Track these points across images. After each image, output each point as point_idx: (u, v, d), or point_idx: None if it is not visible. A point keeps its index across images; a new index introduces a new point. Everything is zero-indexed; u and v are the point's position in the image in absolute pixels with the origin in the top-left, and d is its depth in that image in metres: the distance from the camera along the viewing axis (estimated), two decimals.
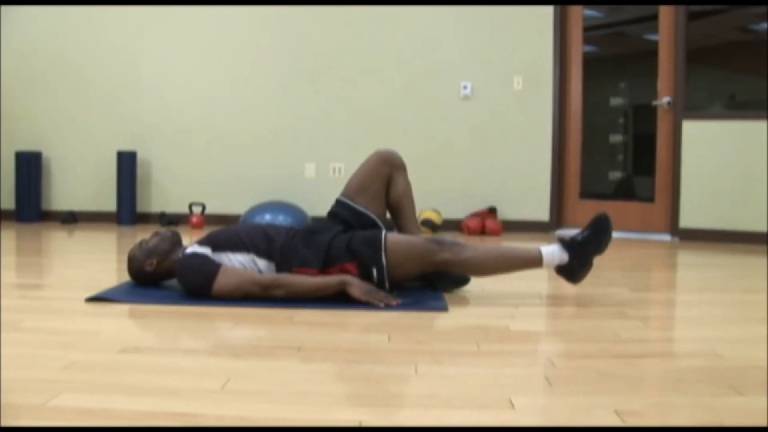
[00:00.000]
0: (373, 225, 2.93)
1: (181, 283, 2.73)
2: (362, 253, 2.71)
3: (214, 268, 2.65)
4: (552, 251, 2.75)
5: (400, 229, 3.05)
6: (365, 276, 2.73)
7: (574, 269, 2.76)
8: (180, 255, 2.82)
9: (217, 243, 2.76)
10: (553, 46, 5.67)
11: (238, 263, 2.74)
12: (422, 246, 2.74)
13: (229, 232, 2.81)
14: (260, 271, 2.75)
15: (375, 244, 2.73)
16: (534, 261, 2.76)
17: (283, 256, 2.74)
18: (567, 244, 2.76)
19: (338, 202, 2.99)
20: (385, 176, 3.00)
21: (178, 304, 2.61)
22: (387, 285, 2.75)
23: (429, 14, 5.78)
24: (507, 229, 5.68)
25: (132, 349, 2.00)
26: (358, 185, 2.98)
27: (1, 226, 5.47)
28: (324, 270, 2.72)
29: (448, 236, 2.84)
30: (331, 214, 2.98)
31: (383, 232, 2.78)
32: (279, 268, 2.74)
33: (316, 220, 3.12)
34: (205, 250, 2.74)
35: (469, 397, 1.62)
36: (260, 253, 2.75)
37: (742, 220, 5.10)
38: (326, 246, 2.74)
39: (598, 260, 4.05)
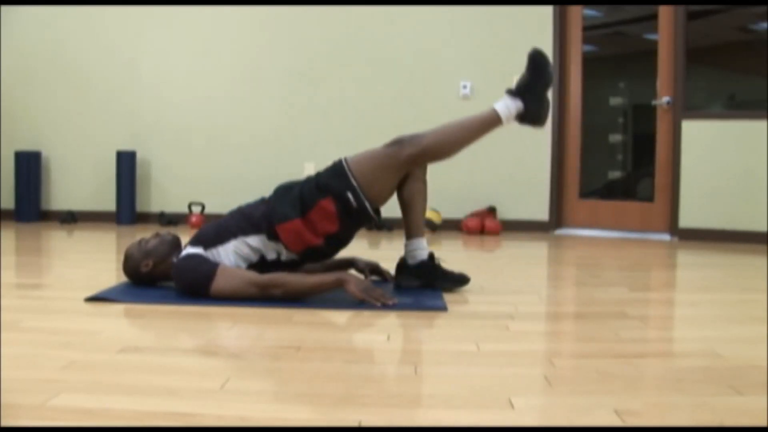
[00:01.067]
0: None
1: (179, 284, 2.72)
2: (331, 184, 2.72)
3: (212, 268, 2.65)
4: (505, 104, 2.77)
5: (407, 226, 3.01)
6: (344, 208, 2.71)
7: (532, 112, 2.78)
8: (175, 259, 2.82)
9: (206, 241, 2.76)
10: (552, 45, 5.67)
11: (232, 254, 2.73)
12: (384, 153, 2.75)
13: (213, 227, 2.80)
14: (252, 249, 2.74)
15: (340, 171, 2.74)
16: (493, 120, 2.78)
17: (268, 222, 2.74)
18: (515, 92, 2.78)
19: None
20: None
21: (177, 304, 2.61)
22: (368, 207, 2.73)
23: (428, 14, 5.78)
24: (506, 229, 5.68)
25: (131, 348, 2.00)
26: None
27: (0, 226, 5.47)
28: (304, 216, 2.71)
29: (406, 136, 2.82)
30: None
31: (343, 159, 2.78)
32: (269, 235, 2.74)
33: None
34: (198, 250, 2.74)
35: (469, 397, 1.61)
36: (246, 232, 2.75)
37: (742, 219, 5.10)
38: (298, 195, 2.75)
39: (597, 260, 4.06)
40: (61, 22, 5.99)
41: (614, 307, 2.71)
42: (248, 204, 2.88)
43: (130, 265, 2.89)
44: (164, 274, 2.88)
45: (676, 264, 4.06)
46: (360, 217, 2.76)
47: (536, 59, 2.78)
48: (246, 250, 2.75)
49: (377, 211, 2.82)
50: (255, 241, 2.75)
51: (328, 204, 2.71)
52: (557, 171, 5.72)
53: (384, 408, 1.54)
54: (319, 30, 5.85)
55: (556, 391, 1.67)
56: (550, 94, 5.66)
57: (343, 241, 2.83)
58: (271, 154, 5.92)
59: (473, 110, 5.73)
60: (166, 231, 2.98)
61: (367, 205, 2.73)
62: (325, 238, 2.74)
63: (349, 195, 2.71)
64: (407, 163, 2.77)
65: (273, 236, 2.74)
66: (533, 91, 2.77)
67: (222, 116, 5.95)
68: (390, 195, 2.87)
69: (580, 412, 1.52)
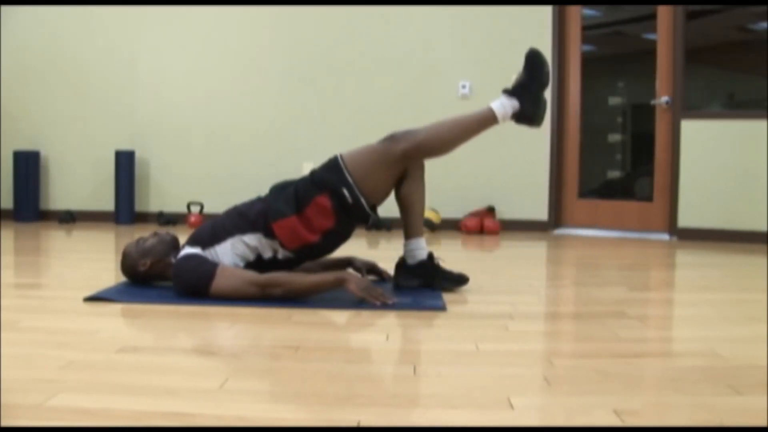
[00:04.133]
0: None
1: (178, 284, 2.71)
2: (327, 180, 2.72)
3: (211, 268, 2.65)
4: (501, 103, 2.79)
5: (407, 226, 3.01)
6: (340, 203, 2.71)
7: (528, 111, 2.80)
8: (173, 259, 2.82)
9: (203, 240, 2.76)
10: (551, 45, 5.67)
11: (229, 252, 2.73)
12: (378, 148, 2.76)
13: (209, 227, 2.79)
14: (250, 247, 2.74)
15: (335, 166, 2.74)
16: (489, 118, 2.80)
17: (264, 219, 2.74)
18: (512, 92, 2.79)
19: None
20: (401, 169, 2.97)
21: (176, 304, 2.61)
22: (364, 202, 2.72)
23: (427, 13, 5.78)
24: (505, 229, 5.68)
25: (130, 348, 1.99)
26: None
27: None
28: (300, 213, 2.71)
29: (400, 132, 2.81)
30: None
31: (339, 155, 2.79)
32: (265, 233, 2.74)
33: None
34: (197, 250, 2.74)
35: (468, 397, 1.61)
36: (243, 230, 2.75)
37: (741, 219, 5.10)
38: (293, 192, 2.75)
39: (596, 260, 4.06)
40: (59, 22, 5.99)
41: (613, 306, 2.71)
42: (244, 203, 2.88)
43: (127, 264, 2.89)
44: (162, 274, 2.88)
45: (675, 264, 4.06)
46: (356, 213, 2.75)
47: (533, 59, 2.79)
48: (243, 249, 2.75)
49: (374, 209, 2.81)
50: (252, 239, 2.75)
51: (323, 200, 2.71)
52: (556, 171, 5.72)
53: (383, 408, 1.54)
54: (318, 29, 5.85)
55: (556, 390, 1.67)
56: (548, 94, 5.67)
57: (340, 237, 2.82)
58: (270, 154, 5.92)
59: (472, 109, 5.75)
60: (164, 230, 2.98)
61: (363, 200, 2.73)
62: (321, 234, 2.74)
63: (344, 190, 2.71)
64: (402, 159, 2.77)
65: (269, 234, 2.74)
66: (529, 90, 2.78)
67: (221, 116, 5.94)
68: (386, 192, 2.86)
69: (579, 412, 1.52)
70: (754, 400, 1.60)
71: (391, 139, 2.76)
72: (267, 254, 2.77)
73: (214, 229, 2.78)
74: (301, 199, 2.72)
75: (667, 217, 5.41)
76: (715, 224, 5.19)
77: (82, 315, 2.42)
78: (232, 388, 1.65)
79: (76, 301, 2.63)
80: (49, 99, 6.03)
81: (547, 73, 2.80)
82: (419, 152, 2.78)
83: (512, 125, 5.70)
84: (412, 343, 2.11)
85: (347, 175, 2.71)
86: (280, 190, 2.81)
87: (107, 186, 6.00)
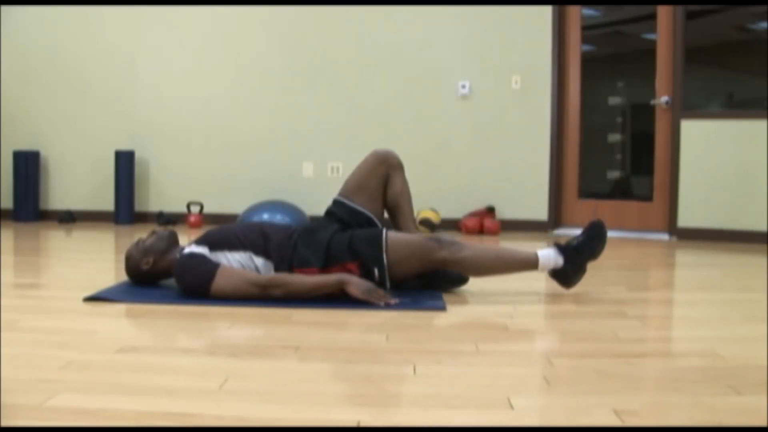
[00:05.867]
0: (370, 223, 2.94)
1: (179, 282, 2.72)
2: (364, 252, 2.73)
3: (213, 268, 2.65)
4: (548, 255, 2.79)
5: (398, 228, 3.05)
6: (366, 275, 2.74)
7: (568, 274, 2.82)
8: (177, 255, 2.83)
9: (214, 242, 2.76)
10: (551, 45, 5.66)
11: (235, 262, 2.74)
12: (422, 244, 2.76)
13: (226, 231, 2.81)
14: (257, 269, 2.75)
15: (376, 244, 2.74)
16: (530, 263, 2.80)
17: (280, 255, 2.74)
18: (562, 249, 2.81)
19: (335, 202, 3.01)
20: (383, 176, 3.02)
21: (175, 304, 2.60)
22: (387, 284, 2.76)
23: (427, 13, 5.77)
24: (505, 229, 5.68)
25: (129, 348, 1.99)
26: (355, 185, 3.00)
27: None
28: (325, 269, 2.73)
29: (446, 235, 2.86)
30: (328, 213, 3.00)
31: (384, 231, 2.79)
32: (277, 267, 2.74)
33: (315, 220, 3.12)
34: (203, 250, 2.74)
35: (468, 397, 1.61)
36: (257, 251, 2.75)
37: (741, 219, 5.10)
38: (326, 245, 2.75)
39: (596, 260, 4.06)
40: (59, 23, 5.99)
41: (613, 306, 2.71)
42: (271, 224, 2.89)
43: (131, 266, 2.89)
44: (166, 270, 2.88)
45: (675, 264, 4.06)
46: (377, 286, 2.76)
47: (597, 229, 2.81)
48: (250, 266, 2.75)
49: (392, 286, 2.82)
50: (261, 263, 2.76)
51: (352, 266, 2.74)
52: (556, 170, 5.72)
53: (383, 408, 1.54)
54: (317, 29, 5.85)
55: (555, 390, 1.67)
56: (548, 94, 5.68)
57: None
58: (270, 154, 5.92)
59: (472, 110, 5.76)
60: (161, 229, 2.98)
61: (388, 283, 2.77)
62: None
63: (376, 269, 2.74)
64: (437, 263, 2.79)
65: (280, 270, 2.73)
66: (579, 256, 2.80)
67: (220, 116, 5.94)
68: (407, 278, 2.88)
69: (579, 412, 1.52)
70: (754, 400, 1.60)
71: (437, 242, 2.77)
72: None
73: (230, 235, 2.78)
74: (331, 257, 2.74)
75: (667, 217, 5.41)
76: (715, 224, 5.19)
77: (82, 315, 2.42)
78: (232, 389, 1.65)
79: (75, 301, 2.63)
80: (49, 99, 6.03)
81: (603, 248, 2.82)
82: (456, 265, 2.80)
83: (513, 119, 5.73)
84: (412, 343, 2.11)
85: (384, 255, 2.73)
86: (312, 234, 2.81)
87: (107, 186, 6.00)
